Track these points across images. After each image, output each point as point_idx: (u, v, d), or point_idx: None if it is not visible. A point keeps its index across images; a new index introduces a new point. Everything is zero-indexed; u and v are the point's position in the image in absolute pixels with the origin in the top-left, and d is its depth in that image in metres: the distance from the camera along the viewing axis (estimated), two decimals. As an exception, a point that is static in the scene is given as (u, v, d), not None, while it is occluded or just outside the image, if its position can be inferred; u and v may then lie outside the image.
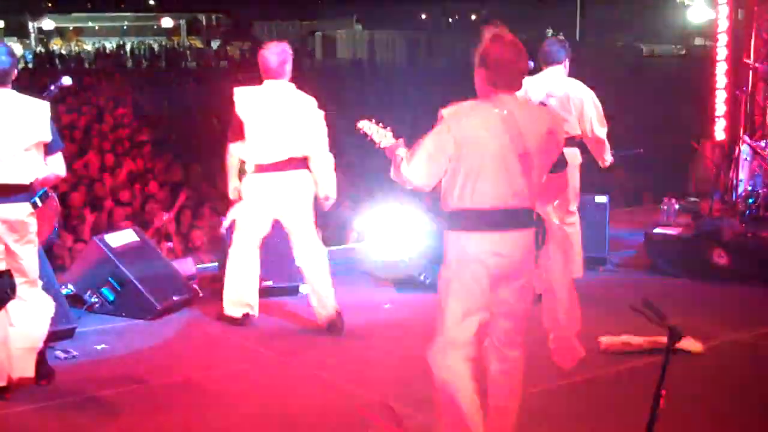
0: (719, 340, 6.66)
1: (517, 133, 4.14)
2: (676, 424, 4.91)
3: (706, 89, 11.09)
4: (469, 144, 4.12)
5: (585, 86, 7.37)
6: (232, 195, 7.08)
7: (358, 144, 5.18)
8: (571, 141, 6.88)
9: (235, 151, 6.86)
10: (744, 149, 9.18)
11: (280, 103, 6.75)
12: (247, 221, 6.93)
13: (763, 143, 8.96)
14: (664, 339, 3.81)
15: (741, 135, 9.72)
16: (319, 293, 6.92)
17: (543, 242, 4.33)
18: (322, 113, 6.90)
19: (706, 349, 6.39)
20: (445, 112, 4.20)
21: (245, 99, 6.72)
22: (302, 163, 6.84)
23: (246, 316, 7.08)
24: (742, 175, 9.18)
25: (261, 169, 6.75)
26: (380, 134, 4.56)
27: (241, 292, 7.03)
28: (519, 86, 4.28)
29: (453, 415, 4.27)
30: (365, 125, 4.64)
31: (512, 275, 4.26)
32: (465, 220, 4.21)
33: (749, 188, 8.97)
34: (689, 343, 6.36)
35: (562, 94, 7.29)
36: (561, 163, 4.41)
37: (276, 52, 6.74)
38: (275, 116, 6.70)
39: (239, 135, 6.72)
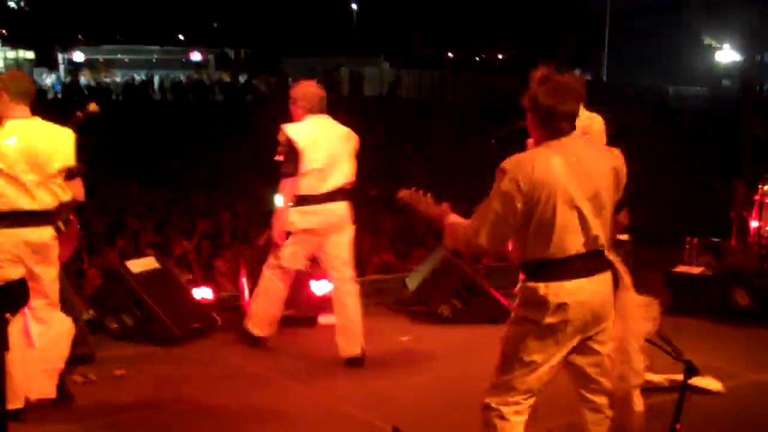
0: (740, 380, 6.62)
1: (585, 175, 4.04)
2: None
3: (733, 130, 11.09)
4: (539, 194, 3.98)
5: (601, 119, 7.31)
6: (287, 226, 6.99)
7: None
8: None
9: (290, 185, 6.88)
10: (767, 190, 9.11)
11: (330, 136, 6.88)
12: (294, 247, 6.94)
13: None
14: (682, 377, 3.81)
15: (766, 175, 9.67)
16: (348, 328, 6.93)
17: (617, 284, 4.26)
18: (357, 143, 7.04)
19: (726, 389, 6.35)
20: (506, 165, 4.05)
21: (300, 133, 6.78)
22: (348, 193, 6.96)
23: (264, 338, 7.18)
24: (766, 216, 9.11)
25: (314, 200, 6.82)
26: (423, 203, 4.41)
27: (268, 313, 7.13)
28: (572, 127, 4.13)
29: None
30: (407, 196, 4.48)
31: (595, 322, 4.15)
32: (544, 271, 4.08)
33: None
34: (708, 382, 6.33)
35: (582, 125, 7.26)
36: (623, 202, 4.33)
37: (319, 88, 6.96)
38: (327, 148, 6.81)
39: (296, 168, 6.77)
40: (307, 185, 6.79)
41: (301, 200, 6.82)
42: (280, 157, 6.82)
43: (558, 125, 4.10)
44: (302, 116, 6.89)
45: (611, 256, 4.31)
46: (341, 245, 6.95)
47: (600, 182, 4.09)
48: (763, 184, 9.19)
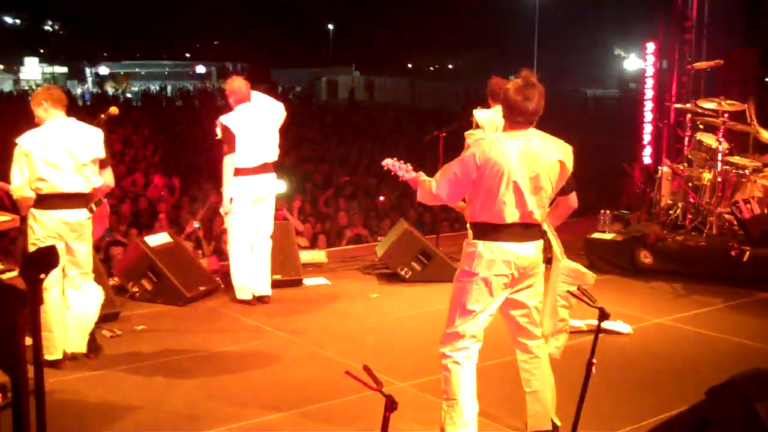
0: (644, 323, 6.68)
1: (530, 161, 4.05)
2: (604, 389, 4.95)
3: (637, 123, 11.17)
4: (489, 170, 4.03)
5: None
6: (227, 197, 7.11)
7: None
8: None
9: (229, 161, 6.98)
10: (666, 171, 9.20)
11: (257, 119, 7.01)
12: (239, 220, 7.08)
13: (681, 166, 8.98)
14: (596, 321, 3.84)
15: (663, 159, 9.77)
16: (261, 271, 7.20)
17: (548, 253, 4.30)
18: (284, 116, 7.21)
19: (633, 330, 6.43)
20: (470, 141, 4.17)
21: (232, 121, 6.93)
22: (274, 165, 7.16)
23: (254, 298, 7.21)
24: (664, 191, 9.20)
25: (248, 173, 6.97)
26: (403, 169, 4.54)
27: (245, 279, 7.18)
28: (531, 122, 4.13)
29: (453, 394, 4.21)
30: (389, 162, 4.60)
31: (524, 279, 4.19)
32: (485, 232, 4.12)
33: (669, 202, 8.99)
34: (619, 325, 6.40)
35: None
36: (569, 187, 4.33)
37: (243, 81, 7.13)
38: (255, 130, 6.97)
39: (232, 148, 6.93)
40: (241, 161, 6.93)
41: (237, 173, 6.95)
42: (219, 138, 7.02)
43: (516, 118, 4.11)
44: (233, 107, 7.05)
45: (548, 229, 4.34)
46: (268, 209, 7.18)
47: (542, 169, 4.08)
48: (662, 166, 9.28)
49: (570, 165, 4.21)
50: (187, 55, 66.85)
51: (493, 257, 4.08)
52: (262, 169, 7.03)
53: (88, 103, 38.84)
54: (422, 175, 4.41)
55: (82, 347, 5.75)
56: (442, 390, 4.28)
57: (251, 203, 7.06)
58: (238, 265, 7.18)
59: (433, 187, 4.23)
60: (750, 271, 7.68)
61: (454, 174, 4.16)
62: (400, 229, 8.26)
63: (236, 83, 7.09)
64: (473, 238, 4.17)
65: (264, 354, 6.00)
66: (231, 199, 7.02)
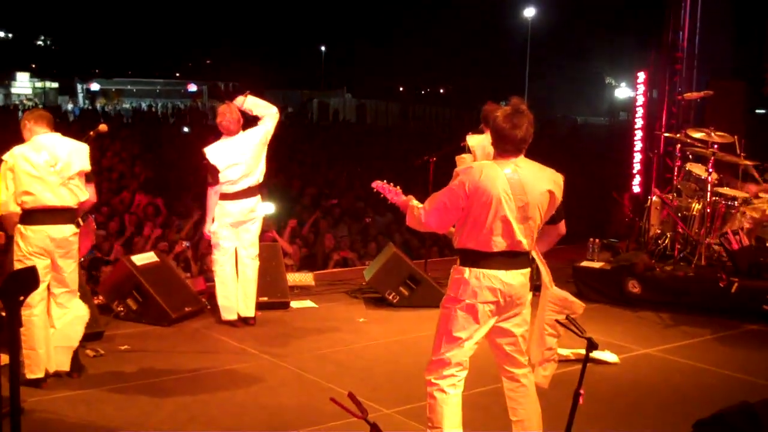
0: (631, 353, 6.67)
1: (519, 190, 4.04)
2: (591, 419, 4.93)
3: (627, 152, 11.25)
4: (479, 198, 4.03)
5: None
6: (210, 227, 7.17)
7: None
8: None
9: (213, 191, 7.04)
10: (655, 200, 9.24)
11: (241, 151, 6.99)
12: (223, 241, 7.12)
13: (671, 196, 9.02)
14: (584, 350, 3.83)
15: (653, 188, 9.81)
16: (246, 293, 7.21)
17: (537, 281, 4.31)
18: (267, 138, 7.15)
19: (620, 360, 6.42)
20: (460, 170, 4.12)
21: (215, 154, 6.96)
22: (257, 189, 7.18)
23: (240, 319, 7.21)
24: (653, 221, 9.23)
25: (227, 197, 7.03)
26: (392, 192, 4.53)
27: (230, 300, 7.19)
28: (520, 150, 4.11)
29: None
30: (379, 184, 4.60)
31: (511, 307, 4.16)
32: (473, 259, 4.10)
33: (658, 232, 9.02)
34: (607, 355, 6.39)
35: None
36: (558, 216, 4.33)
37: (233, 112, 7.04)
38: (238, 161, 6.97)
39: (216, 179, 6.99)
40: (224, 187, 6.99)
41: (221, 198, 7.02)
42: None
43: (505, 146, 4.10)
44: (221, 136, 7.08)
45: (537, 257, 4.33)
46: (253, 230, 7.20)
47: (532, 198, 4.07)
48: (651, 195, 9.31)
49: (560, 194, 4.20)
50: (177, 74, 66.96)
51: (479, 284, 4.07)
52: (246, 193, 7.05)
53: (77, 118, 38.83)
54: (412, 200, 4.40)
55: (65, 366, 5.70)
56: (427, 418, 4.24)
57: (233, 226, 7.08)
58: (222, 286, 7.16)
59: (422, 216, 4.23)
60: (738, 303, 7.69)
61: (443, 203, 4.15)
62: (388, 253, 8.24)
63: (225, 120, 7.03)
64: (460, 265, 4.16)
65: (248, 376, 5.96)
66: (213, 219, 7.02)
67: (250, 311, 7.22)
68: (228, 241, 7.10)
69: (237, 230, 7.12)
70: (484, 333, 4.18)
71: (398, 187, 4.55)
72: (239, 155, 6.97)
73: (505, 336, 4.24)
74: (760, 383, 6.01)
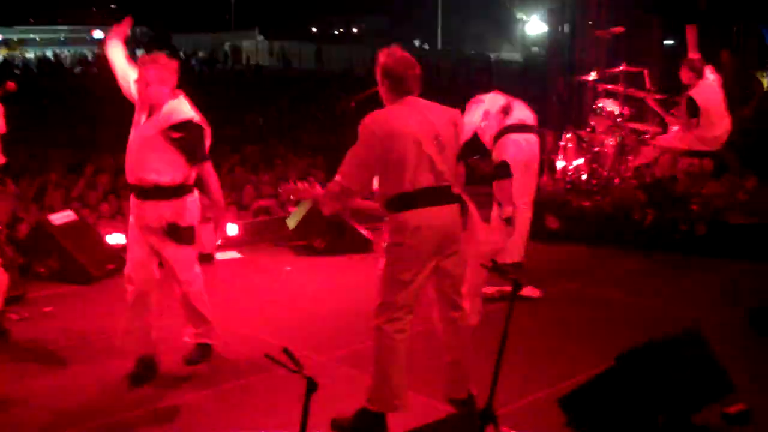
0: (553, 288, 6.83)
1: (428, 123, 4.13)
2: (520, 354, 5.06)
3: (542, 90, 11.37)
4: (394, 141, 4.06)
5: None
6: None
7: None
8: None
9: None
10: (569, 137, 9.39)
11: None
12: None
13: (587, 130, 9.19)
14: (509, 288, 3.92)
15: (567, 125, 9.96)
16: None
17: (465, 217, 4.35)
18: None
19: (542, 295, 6.60)
20: (366, 120, 4.11)
21: None
22: None
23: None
24: (569, 157, 9.38)
25: None
26: (305, 191, 4.49)
27: None
28: (418, 89, 4.24)
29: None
30: (288, 189, 4.55)
31: (446, 244, 4.19)
32: (402, 202, 4.12)
33: (573, 167, 9.18)
34: (529, 291, 6.53)
35: None
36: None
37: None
38: None
39: None
40: None
41: None
42: None
43: (408, 87, 4.21)
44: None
45: (459, 191, 4.39)
46: None
47: (440, 128, 4.17)
48: (566, 133, 9.46)
49: (462, 126, 4.41)
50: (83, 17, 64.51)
51: (417, 224, 4.11)
52: None
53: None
54: (317, 186, 4.44)
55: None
56: (374, 361, 4.24)
57: None
58: None
59: (341, 183, 4.19)
60: (652, 234, 7.95)
61: (359, 159, 4.15)
62: (311, 201, 8.20)
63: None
64: (394, 212, 4.18)
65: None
66: None
67: None
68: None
69: None
70: (427, 274, 4.22)
71: (311, 178, 4.51)
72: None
73: (446, 277, 4.29)
74: (675, 312, 6.24)
